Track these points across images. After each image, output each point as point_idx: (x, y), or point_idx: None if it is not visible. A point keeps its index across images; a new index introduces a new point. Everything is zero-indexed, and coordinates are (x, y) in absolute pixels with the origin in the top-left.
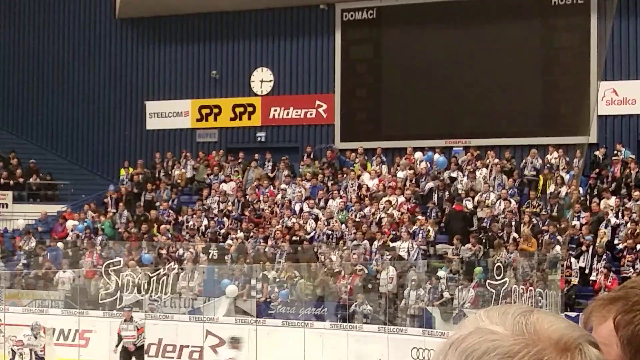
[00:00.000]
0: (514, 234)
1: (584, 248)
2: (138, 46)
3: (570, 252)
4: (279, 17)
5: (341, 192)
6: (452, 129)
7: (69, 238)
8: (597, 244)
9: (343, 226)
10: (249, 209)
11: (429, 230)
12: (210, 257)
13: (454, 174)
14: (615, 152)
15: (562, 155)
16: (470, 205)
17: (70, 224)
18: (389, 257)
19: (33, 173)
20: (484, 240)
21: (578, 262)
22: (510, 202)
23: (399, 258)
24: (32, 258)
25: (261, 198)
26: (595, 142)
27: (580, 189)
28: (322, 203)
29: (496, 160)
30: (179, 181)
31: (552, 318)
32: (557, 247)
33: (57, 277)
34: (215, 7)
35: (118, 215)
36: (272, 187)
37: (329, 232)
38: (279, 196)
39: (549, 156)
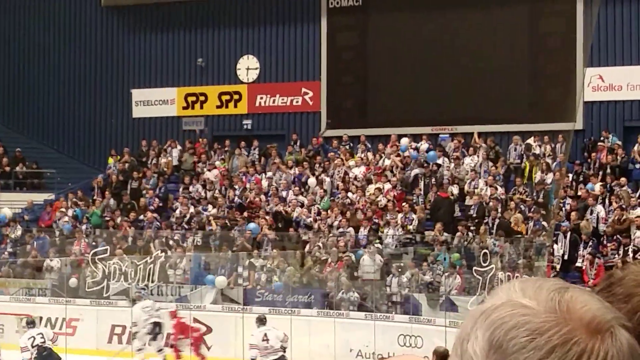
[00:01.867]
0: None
1: (560, 235)
2: (124, 34)
3: (554, 238)
4: (264, 3)
5: (325, 179)
6: (439, 116)
7: (57, 224)
8: (582, 231)
9: (327, 213)
10: (235, 196)
11: (413, 219)
12: (196, 244)
13: (439, 161)
14: (602, 138)
15: (548, 142)
16: (455, 192)
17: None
18: (377, 244)
19: (19, 162)
20: (471, 227)
21: (558, 248)
22: (496, 188)
23: (385, 245)
24: (18, 246)
25: (248, 186)
26: (581, 129)
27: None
28: (306, 190)
29: (483, 146)
30: (165, 169)
31: (587, 297)
32: (544, 234)
33: (44, 266)
34: None
35: (105, 203)
36: (257, 175)
37: (313, 219)
38: (265, 183)
39: (530, 141)
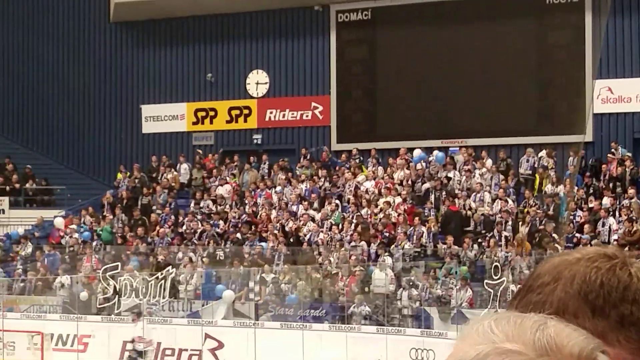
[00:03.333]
0: (506, 233)
1: (580, 247)
2: (133, 50)
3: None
4: (273, 18)
5: (336, 194)
6: (448, 129)
7: (64, 241)
8: (593, 243)
9: (338, 227)
10: (246, 212)
11: (423, 232)
12: (207, 260)
13: (450, 174)
14: (612, 150)
15: (564, 155)
16: (466, 205)
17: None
18: (387, 257)
19: (29, 178)
20: (480, 240)
21: None
22: (507, 201)
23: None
24: (28, 264)
25: (258, 201)
26: (591, 141)
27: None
28: (317, 205)
29: (489, 161)
30: (173, 184)
31: (567, 329)
32: (556, 246)
33: (56, 283)
34: (210, 9)
35: (115, 219)
36: (268, 190)
37: (326, 233)
38: (276, 198)
39: (542, 153)
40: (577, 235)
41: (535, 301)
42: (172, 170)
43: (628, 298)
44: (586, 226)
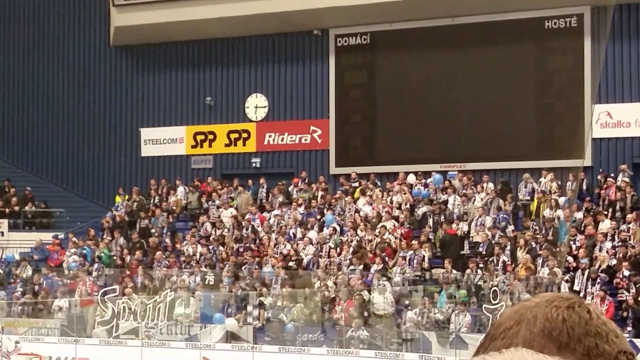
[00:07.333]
0: (504, 257)
1: (579, 272)
2: (132, 73)
3: (568, 276)
4: (272, 43)
5: (336, 218)
6: (447, 154)
7: (65, 265)
8: (591, 268)
9: (336, 251)
10: (243, 235)
11: (423, 256)
12: (205, 283)
13: (449, 198)
14: (612, 174)
15: (555, 179)
16: (464, 228)
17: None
18: (385, 282)
19: (28, 201)
20: (480, 265)
21: (573, 285)
22: (506, 225)
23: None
24: (27, 286)
25: (255, 224)
26: (590, 165)
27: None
28: (316, 228)
29: (490, 185)
30: (174, 208)
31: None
32: (555, 270)
33: (54, 306)
34: (209, 34)
35: (114, 242)
36: (264, 213)
37: (323, 257)
38: (274, 221)
39: (543, 180)
40: (572, 259)
41: (500, 346)
42: (174, 193)
43: (591, 332)
44: (581, 251)
